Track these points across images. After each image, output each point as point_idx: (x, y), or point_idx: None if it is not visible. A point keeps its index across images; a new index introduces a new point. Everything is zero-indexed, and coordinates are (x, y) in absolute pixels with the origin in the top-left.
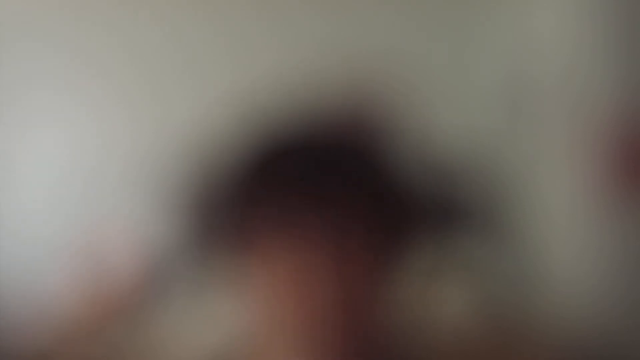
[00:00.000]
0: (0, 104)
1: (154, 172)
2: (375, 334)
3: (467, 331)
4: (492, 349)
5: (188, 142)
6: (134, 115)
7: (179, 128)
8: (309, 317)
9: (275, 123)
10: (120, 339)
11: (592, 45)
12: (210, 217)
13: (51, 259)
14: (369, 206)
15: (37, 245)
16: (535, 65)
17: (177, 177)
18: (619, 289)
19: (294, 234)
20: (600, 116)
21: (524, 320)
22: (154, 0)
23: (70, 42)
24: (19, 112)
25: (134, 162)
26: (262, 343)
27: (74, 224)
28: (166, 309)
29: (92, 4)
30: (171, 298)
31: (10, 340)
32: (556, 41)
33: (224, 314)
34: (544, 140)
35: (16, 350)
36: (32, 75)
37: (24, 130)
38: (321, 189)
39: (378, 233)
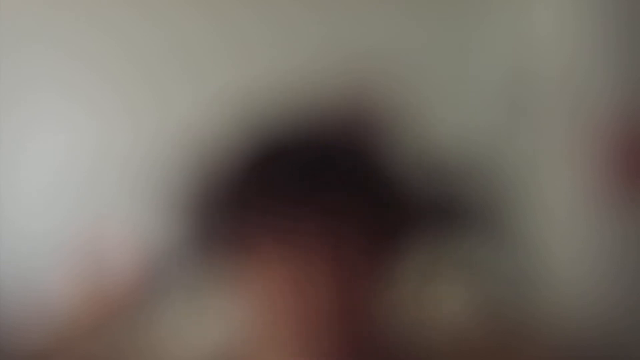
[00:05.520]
0: (1, 105)
1: (153, 172)
2: (373, 335)
3: (467, 331)
4: (492, 349)
5: (187, 142)
6: (133, 115)
7: (179, 128)
8: (305, 322)
9: (273, 124)
10: (120, 338)
11: (592, 45)
12: (208, 218)
13: (51, 257)
14: (367, 208)
15: (38, 243)
16: (535, 64)
17: (176, 177)
18: (619, 289)
19: (290, 238)
20: (601, 116)
21: (524, 320)
22: (154, 2)
23: (70, 43)
24: (20, 112)
25: (133, 162)
26: (260, 343)
27: (74, 222)
28: (166, 309)
29: (91, 5)
30: (170, 297)
31: (10, 340)
32: (556, 40)
33: (223, 314)
34: (544, 140)
35: (16, 350)
36: (32, 77)
37: (25, 129)
38: (318, 192)
39: (376, 235)
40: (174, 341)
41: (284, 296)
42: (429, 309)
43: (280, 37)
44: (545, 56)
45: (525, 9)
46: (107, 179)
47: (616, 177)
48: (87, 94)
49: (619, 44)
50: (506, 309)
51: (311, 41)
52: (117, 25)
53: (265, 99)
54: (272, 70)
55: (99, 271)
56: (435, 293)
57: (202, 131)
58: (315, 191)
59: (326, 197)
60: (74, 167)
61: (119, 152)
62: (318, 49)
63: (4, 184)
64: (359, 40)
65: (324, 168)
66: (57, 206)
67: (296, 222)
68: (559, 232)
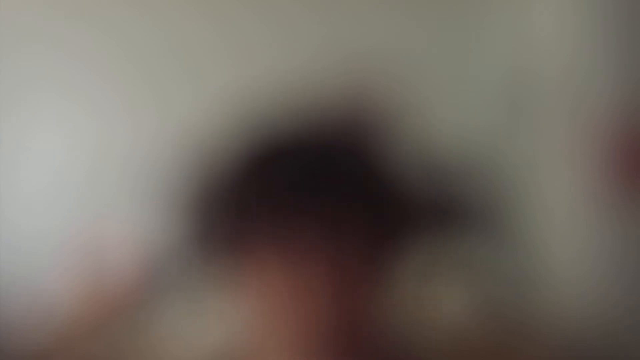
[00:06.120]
0: (2, 105)
1: (153, 172)
2: (373, 335)
3: (467, 331)
4: (492, 349)
5: (187, 142)
6: (133, 115)
7: (179, 128)
8: (305, 322)
9: (273, 125)
10: (120, 338)
11: (592, 45)
12: (208, 218)
13: (51, 257)
14: (367, 208)
15: (38, 243)
16: (535, 64)
17: (176, 177)
18: (619, 289)
19: (289, 237)
20: (601, 116)
21: (524, 320)
22: (154, 2)
23: (70, 43)
24: (20, 111)
25: (133, 162)
26: (259, 343)
27: (74, 222)
28: (166, 309)
29: (91, 5)
30: (170, 297)
31: (10, 340)
32: (556, 40)
33: (223, 314)
34: (544, 140)
35: (16, 350)
36: (32, 77)
37: (25, 129)
38: (318, 192)
39: (376, 235)
40: (174, 341)
41: (283, 296)
42: (429, 309)
43: (280, 37)
44: (545, 56)
45: (525, 9)
46: (107, 179)
47: (616, 177)
48: (87, 94)
49: (619, 44)
50: (506, 309)
51: (311, 41)
52: (117, 25)
53: (265, 99)
54: (272, 70)
55: (99, 271)
56: (435, 293)
57: (202, 131)
58: (314, 191)
59: (326, 197)
60: (74, 167)
61: (119, 152)
62: (318, 49)
63: (4, 184)
64: (359, 40)
65: (323, 168)
66: (57, 206)
67: (296, 221)
68: (559, 232)
